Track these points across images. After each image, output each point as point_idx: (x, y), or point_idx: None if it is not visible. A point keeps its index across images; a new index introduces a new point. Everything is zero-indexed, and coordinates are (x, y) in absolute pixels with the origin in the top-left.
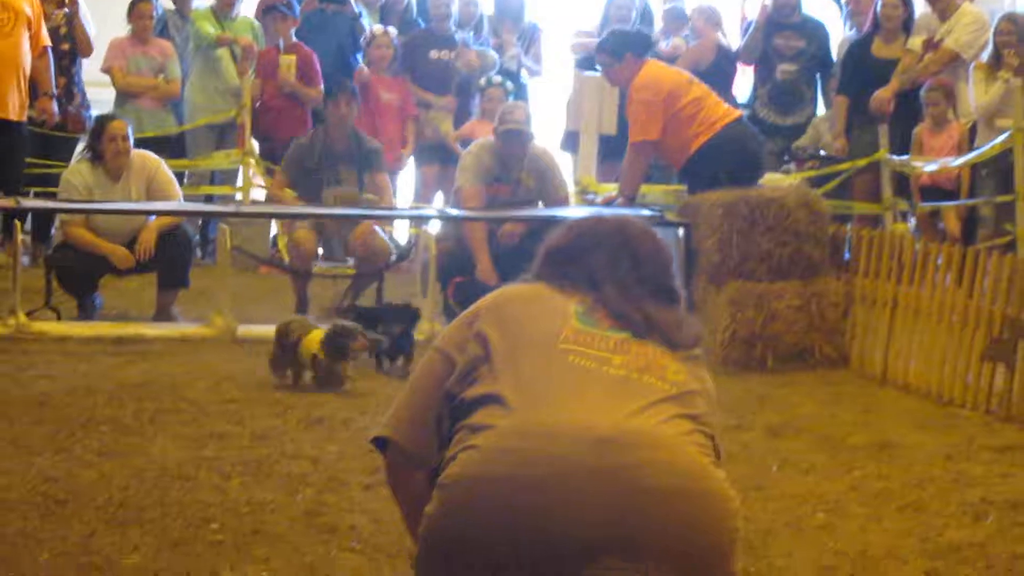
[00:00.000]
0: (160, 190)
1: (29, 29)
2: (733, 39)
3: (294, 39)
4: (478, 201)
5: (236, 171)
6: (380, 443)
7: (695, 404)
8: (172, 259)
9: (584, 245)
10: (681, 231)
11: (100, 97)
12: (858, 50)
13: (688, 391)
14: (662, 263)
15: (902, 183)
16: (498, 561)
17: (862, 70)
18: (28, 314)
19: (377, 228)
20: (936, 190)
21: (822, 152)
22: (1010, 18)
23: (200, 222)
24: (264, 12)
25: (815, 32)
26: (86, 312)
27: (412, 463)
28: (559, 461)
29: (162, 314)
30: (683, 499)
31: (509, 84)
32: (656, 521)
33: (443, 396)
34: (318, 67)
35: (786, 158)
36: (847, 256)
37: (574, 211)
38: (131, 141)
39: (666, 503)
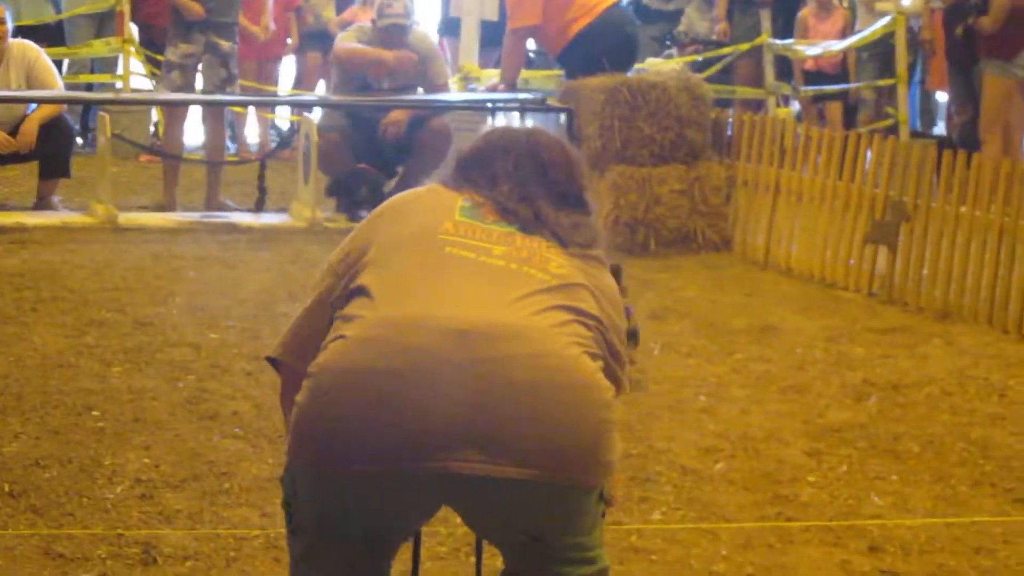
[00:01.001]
0: (40, 79)
1: None
2: None
3: None
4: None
5: (116, 59)
6: (274, 363)
7: (578, 297)
8: (53, 149)
9: (492, 151)
10: (563, 117)
11: None
12: None
13: (571, 283)
14: (570, 171)
15: (785, 68)
16: (358, 451)
17: None
18: None
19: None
20: (820, 75)
21: (706, 37)
22: None
23: (80, 111)
24: None
25: None
26: None
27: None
28: (421, 353)
29: (43, 203)
30: (547, 393)
31: None
32: (518, 416)
33: (330, 307)
34: None
35: (668, 43)
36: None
37: (455, 96)
38: (10, 26)
39: (529, 397)
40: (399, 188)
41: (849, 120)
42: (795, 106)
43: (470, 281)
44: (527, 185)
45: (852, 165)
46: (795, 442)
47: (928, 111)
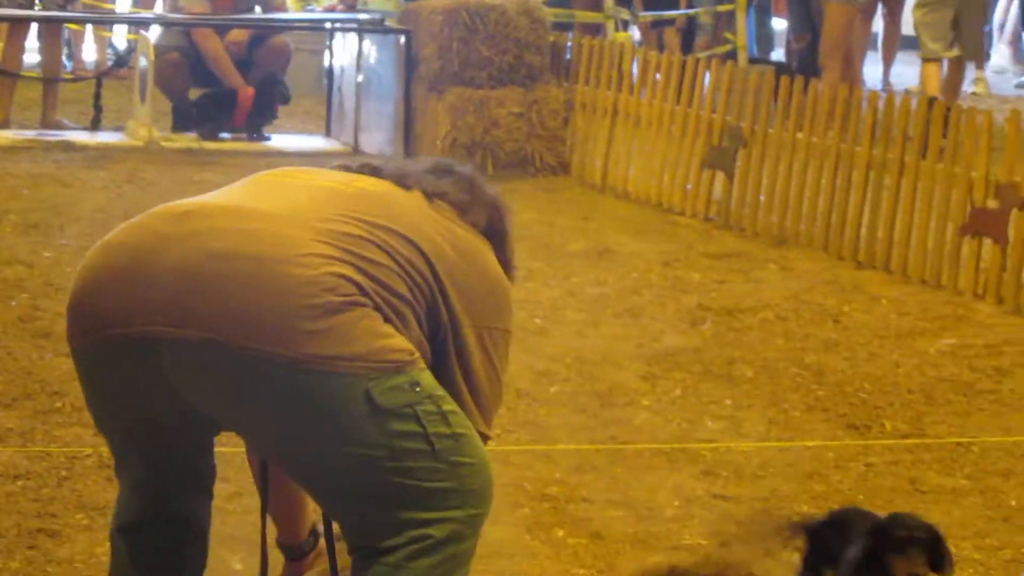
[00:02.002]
0: None
1: None
2: None
3: None
4: (203, 9)
5: None
6: None
7: (368, 204)
8: None
9: None
10: (402, 39)
11: None
12: None
13: (371, 193)
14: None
15: None
16: (90, 322)
17: None
18: None
19: None
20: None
21: None
22: None
23: None
24: None
25: None
26: None
27: None
28: (147, 230)
29: None
30: (241, 263)
31: None
32: (206, 284)
33: None
34: None
35: None
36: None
37: (294, 16)
38: None
39: (223, 265)
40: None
41: (687, 45)
42: (634, 31)
43: (268, 190)
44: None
45: (690, 90)
46: (630, 366)
47: (766, 37)
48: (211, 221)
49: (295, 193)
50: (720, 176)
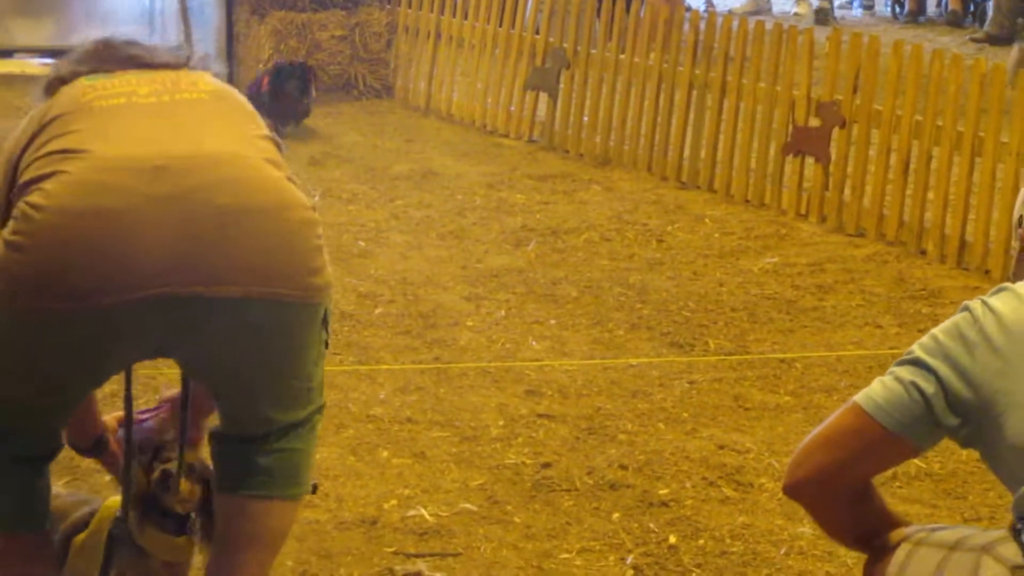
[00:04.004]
0: None
1: None
2: None
3: None
4: None
5: None
6: None
7: (240, 106)
8: None
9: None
10: None
11: None
12: None
13: (226, 94)
14: None
15: None
16: (70, 289)
17: None
18: None
19: None
20: None
21: None
22: None
23: None
24: None
25: None
26: None
27: None
28: (124, 192)
29: None
30: (254, 214)
31: None
32: (226, 237)
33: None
34: None
35: None
36: None
37: None
38: None
39: (234, 219)
40: None
41: None
42: None
43: (138, 122)
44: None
45: (513, 12)
46: (454, 287)
47: None
48: (194, 176)
49: (172, 115)
50: (544, 98)
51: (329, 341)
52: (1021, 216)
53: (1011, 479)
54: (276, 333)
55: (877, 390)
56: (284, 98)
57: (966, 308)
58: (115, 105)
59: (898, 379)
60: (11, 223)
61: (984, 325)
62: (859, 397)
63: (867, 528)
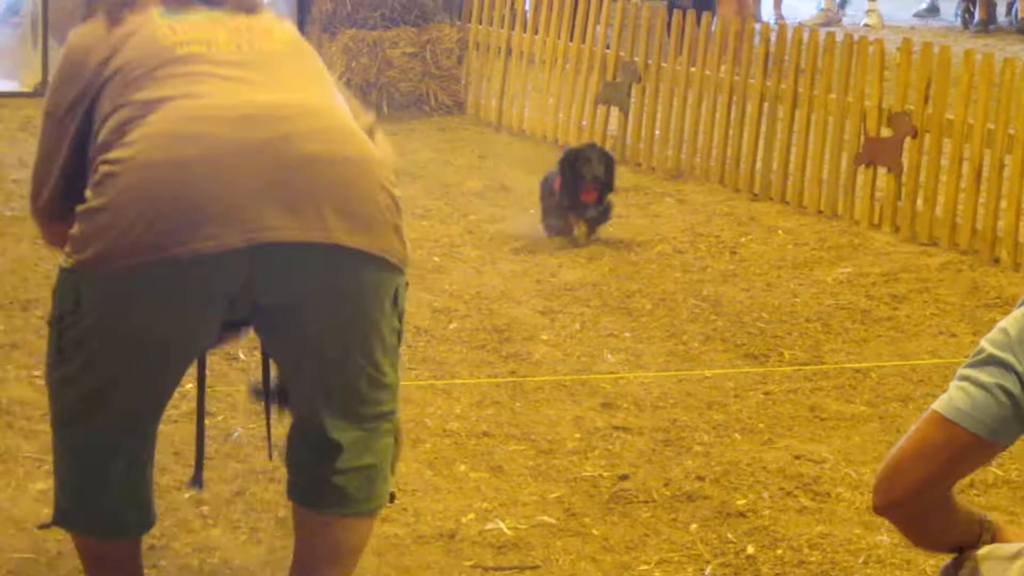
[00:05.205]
0: None
1: None
2: None
3: None
4: None
5: None
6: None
7: (312, 54)
8: None
9: None
10: None
11: None
12: None
13: (302, 44)
14: None
15: None
16: (165, 239)
17: None
18: None
19: None
20: None
21: None
22: None
23: None
24: None
25: None
26: None
27: (52, 219)
28: (215, 139)
29: None
30: (341, 165)
31: None
32: (317, 186)
33: (70, 154)
34: None
35: None
36: (461, 3)
37: None
38: None
39: (325, 168)
40: None
41: None
42: None
43: (221, 70)
44: None
45: (583, 26)
46: (528, 301)
47: None
48: (282, 124)
49: (254, 64)
50: (615, 111)
51: (402, 332)
52: None
53: None
54: (355, 288)
55: (960, 397)
56: None
57: None
58: (196, 53)
59: (979, 384)
60: (95, 183)
61: None
62: (940, 407)
63: (958, 532)
